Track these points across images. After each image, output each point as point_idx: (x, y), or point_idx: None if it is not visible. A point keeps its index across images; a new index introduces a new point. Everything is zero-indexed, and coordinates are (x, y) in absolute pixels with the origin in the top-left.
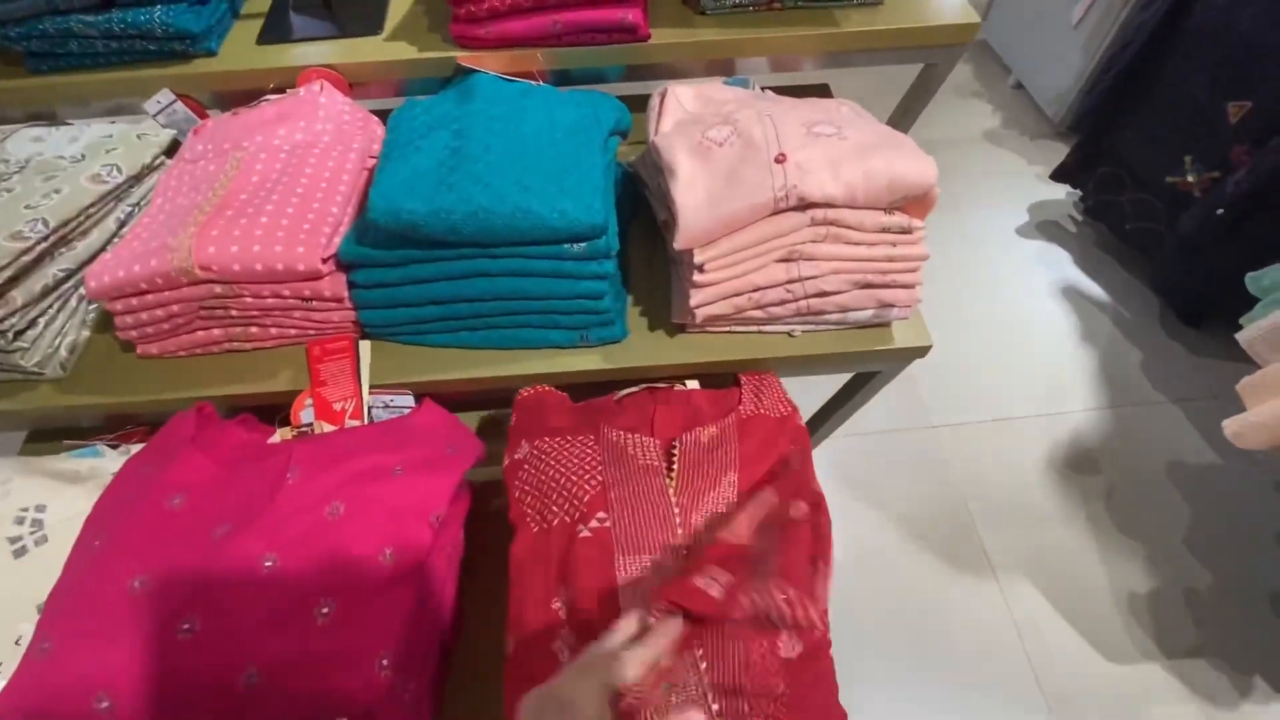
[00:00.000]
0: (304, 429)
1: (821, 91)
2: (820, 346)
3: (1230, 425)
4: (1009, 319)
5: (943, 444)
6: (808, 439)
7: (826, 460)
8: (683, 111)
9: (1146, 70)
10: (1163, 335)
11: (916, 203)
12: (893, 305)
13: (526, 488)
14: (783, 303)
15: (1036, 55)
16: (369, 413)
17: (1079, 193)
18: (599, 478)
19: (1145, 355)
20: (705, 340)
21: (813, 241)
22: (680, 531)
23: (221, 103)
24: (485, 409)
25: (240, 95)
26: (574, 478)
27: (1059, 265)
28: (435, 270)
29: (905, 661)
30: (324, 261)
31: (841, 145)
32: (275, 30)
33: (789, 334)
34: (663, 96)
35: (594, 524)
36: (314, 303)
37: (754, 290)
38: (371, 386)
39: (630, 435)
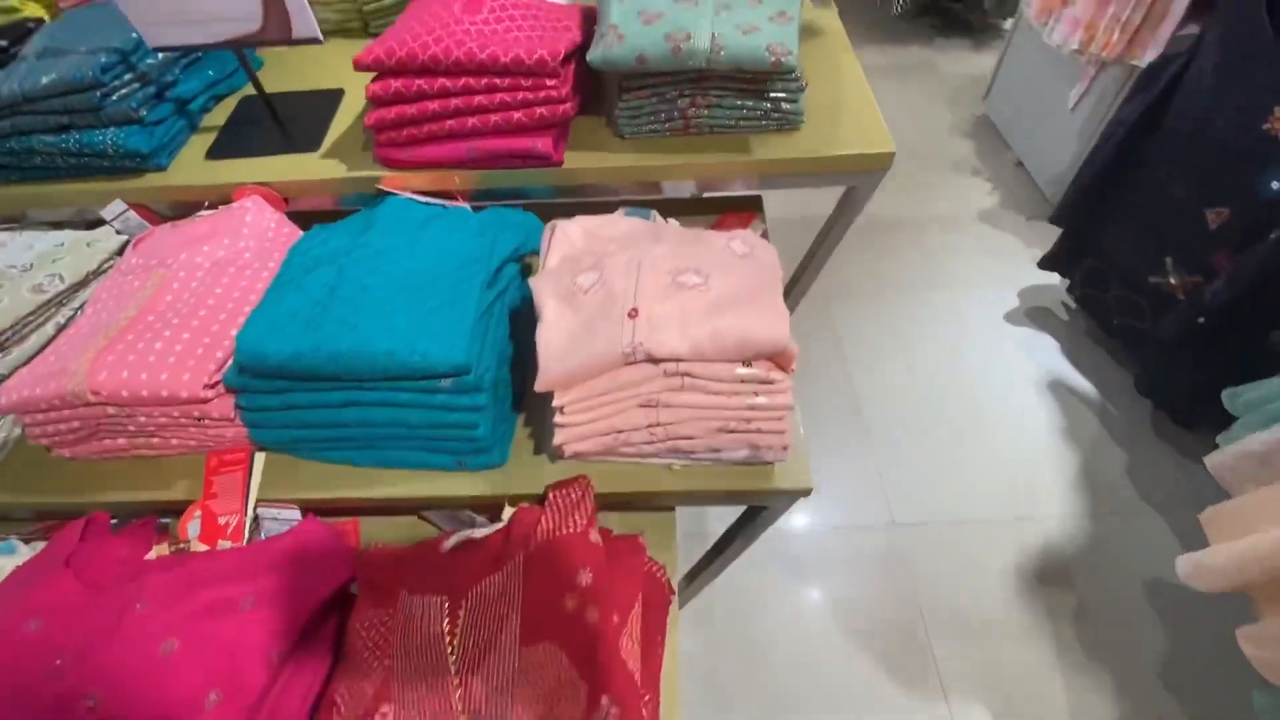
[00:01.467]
0: (181, 546)
1: (754, 204)
2: (699, 481)
3: (1183, 565)
4: (988, 411)
5: (904, 544)
6: (602, 554)
7: (777, 551)
8: (570, 246)
9: (1125, 168)
10: (1152, 436)
11: (778, 355)
12: (766, 448)
13: (340, 675)
14: (649, 443)
15: (1036, 135)
16: (253, 527)
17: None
18: (387, 661)
19: (1132, 458)
20: (585, 470)
21: (669, 390)
22: (460, 709)
23: (177, 210)
24: (386, 515)
25: (188, 205)
26: (364, 667)
27: (1046, 355)
28: (311, 399)
29: None
30: (211, 387)
31: (699, 299)
32: (223, 146)
33: (668, 466)
34: (553, 231)
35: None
36: (206, 421)
37: (617, 432)
38: (261, 500)
39: (423, 599)
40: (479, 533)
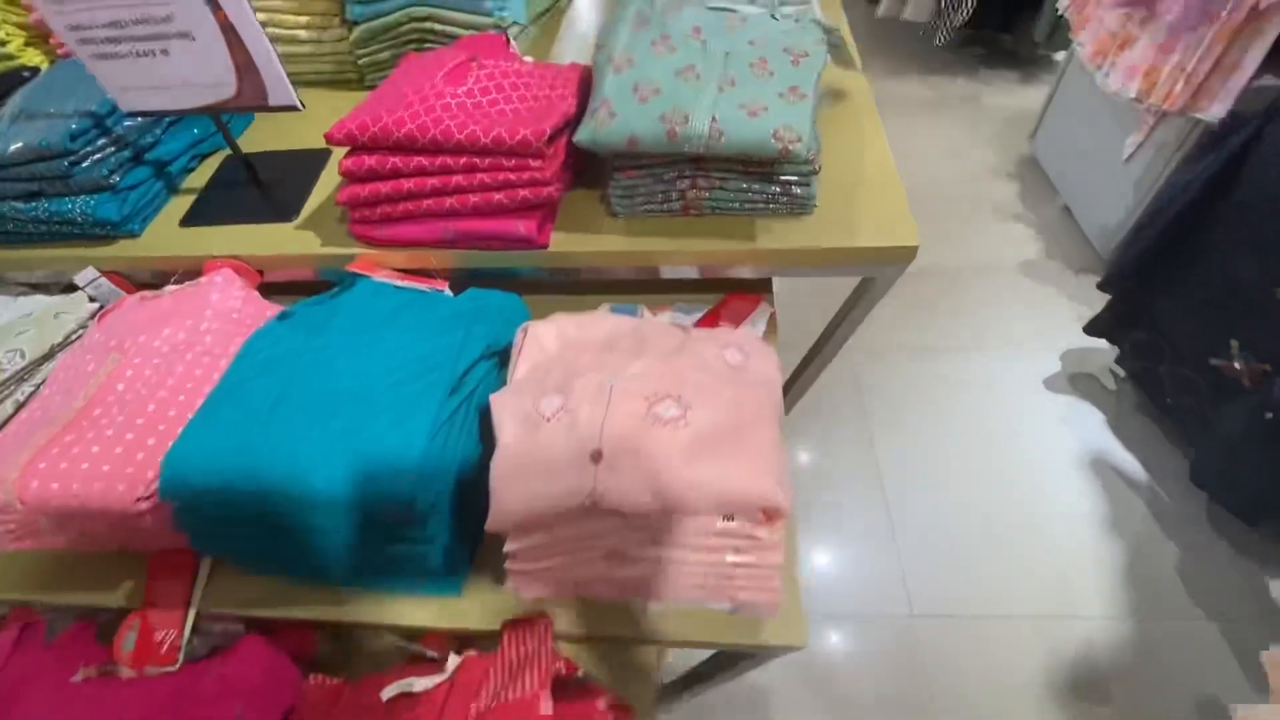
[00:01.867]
0: (109, 669)
1: (761, 284)
2: (676, 627)
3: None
4: (1022, 491)
5: (921, 640)
6: None
7: None
8: (541, 354)
9: (1186, 238)
10: (1208, 530)
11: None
12: (750, 605)
13: None
14: (614, 590)
15: (1087, 181)
16: (190, 642)
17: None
18: None
19: (1184, 554)
20: (546, 606)
21: (637, 543)
22: None
23: (155, 278)
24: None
25: (164, 274)
26: None
27: (1090, 430)
28: (250, 516)
29: None
30: (146, 499)
31: (674, 440)
32: (200, 212)
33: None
34: (524, 335)
35: None
36: (144, 529)
37: (576, 582)
38: (202, 614)
39: None
40: (419, 685)
